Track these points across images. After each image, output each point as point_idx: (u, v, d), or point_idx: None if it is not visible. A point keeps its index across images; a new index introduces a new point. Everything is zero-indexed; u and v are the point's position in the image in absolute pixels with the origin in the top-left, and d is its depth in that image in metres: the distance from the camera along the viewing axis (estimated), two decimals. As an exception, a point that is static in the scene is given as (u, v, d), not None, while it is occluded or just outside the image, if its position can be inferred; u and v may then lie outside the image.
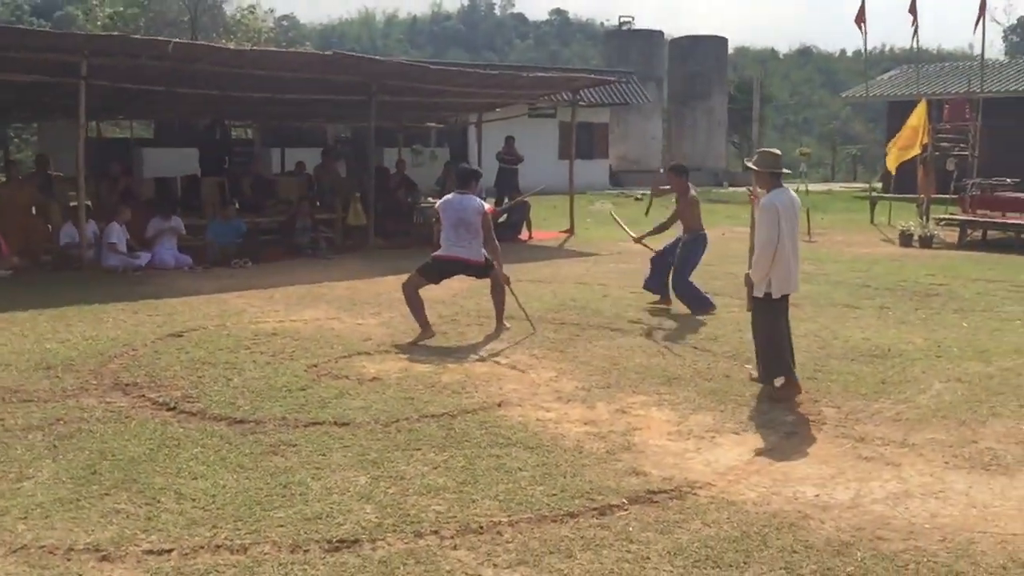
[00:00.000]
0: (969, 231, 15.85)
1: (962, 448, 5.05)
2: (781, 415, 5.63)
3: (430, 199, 15.78)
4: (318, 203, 15.19)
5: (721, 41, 38.92)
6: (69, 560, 3.58)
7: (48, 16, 51.15)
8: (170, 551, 3.66)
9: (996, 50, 76.21)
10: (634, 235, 9.63)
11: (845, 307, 9.26)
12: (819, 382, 6.34)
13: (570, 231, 16.84)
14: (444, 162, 19.10)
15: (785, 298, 6.16)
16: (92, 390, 5.94)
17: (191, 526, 3.89)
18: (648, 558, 3.67)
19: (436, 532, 3.87)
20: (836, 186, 35.62)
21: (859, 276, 11.52)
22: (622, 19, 42.27)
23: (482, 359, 7.00)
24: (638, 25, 41.76)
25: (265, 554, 3.65)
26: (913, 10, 19.32)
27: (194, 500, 4.16)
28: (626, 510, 4.13)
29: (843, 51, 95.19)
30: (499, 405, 5.74)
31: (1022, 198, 16.09)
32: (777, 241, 5.90)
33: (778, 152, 6.38)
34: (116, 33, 23.41)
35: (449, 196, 7.97)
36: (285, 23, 66.35)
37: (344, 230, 14.65)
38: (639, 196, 25.93)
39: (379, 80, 14.00)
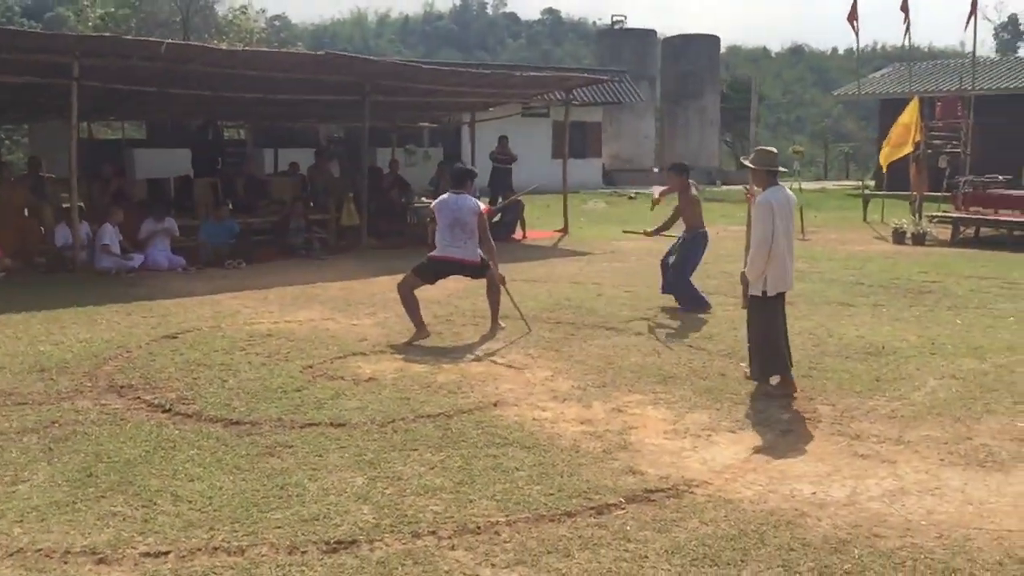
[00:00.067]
0: (962, 228, 15.91)
1: (957, 445, 5.06)
2: (777, 413, 5.64)
3: (423, 199, 15.77)
4: (311, 203, 15.17)
5: (713, 40, 38.97)
6: (66, 563, 3.57)
7: (39, 17, 50.96)
8: (167, 553, 3.65)
9: (987, 47, 76.77)
10: (648, 230, 9.69)
11: (839, 305, 9.28)
12: (814, 380, 6.36)
13: (564, 230, 16.84)
14: (437, 162, 19.11)
15: (781, 295, 6.18)
16: (87, 392, 5.92)
17: (188, 528, 3.88)
18: (646, 557, 3.68)
19: (434, 532, 3.87)
20: (829, 184, 35.69)
21: (853, 274, 11.55)
22: (614, 18, 42.22)
23: (478, 359, 7.00)
24: (630, 24, 41.75)
25: (263, 556, 3.64)
26: (905, 8, 19.35)
27: (191, 502, 4.15)
28: (623, 509, 4.14)
29: (835, 49, 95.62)
30: (495, 405, 5.73)
31: (1014, 195, 16.15)
32: (772, 238, 5.91)
33: (774, 150, 6.40)
34: (107, 34, 23.36)
35: (444, 196, 7.95)
36: (277, 23, 66.18)
37: (338, 230, 14.63)
38: (632, 195, 25.97)
39: (372, 80, 13.98)
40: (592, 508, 4.13)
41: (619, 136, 36.15)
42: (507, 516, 4.03)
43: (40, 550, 3.67)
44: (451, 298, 9.27)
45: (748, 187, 6.66)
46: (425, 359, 6.91)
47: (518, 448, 4.92)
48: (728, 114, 40.37)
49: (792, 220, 6.17)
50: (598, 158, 32.65)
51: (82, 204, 12.21)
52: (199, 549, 3.69)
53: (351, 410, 5.55)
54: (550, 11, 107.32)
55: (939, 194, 17.86)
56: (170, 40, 13.30)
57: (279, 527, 3.90)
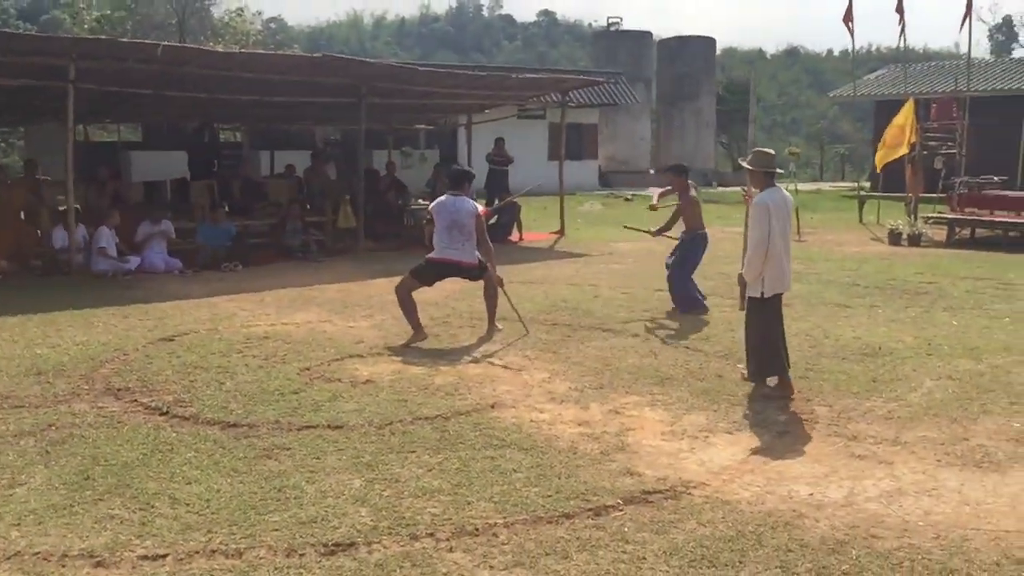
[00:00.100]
0: (957, 229, 15.95)
1: (954, 445, 5.07)
2: (774, 414, 5.65)
3: (420, 201, 15.77)
4: (308, 206, 15.16)
5: (709, 42, 39.00)
6: (63, 567, 3.57)
7: (34, 20, 50.90)
8: (165, 556, 3.65)
9: (982, 49, 76.85)
10: (652, 229, 9.69)
11: (836, 306, 9.29)
12: (811, 381, 6.37)
13: (560, 232, 16.86)
14: (434, 164, 19.09)
15: (778, 297, 6.19)
16: (84, 395, 5.91)
17: (186, 531, 3.88)
18: (644, 558, 3.68)
19: (432, 534, 3.87)
20: (825, 185, 35.74)
21: (849, 275, 11.57)
22: (610, 20, 42.27)
23: (475, 361, 7.00)
24: (626, 26, 41.76)
25: (260, 558, 3.64)
26: (900, 10, 19.41)
27: (188, 505, 4.15)
28: (621, 511, 4.14)
29: (830, 51, 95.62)
30: (493, 407, 5.74)
31: (1009, 196, 16.20)
32: (768, 239, 5.92)
33: (772, 152, 6.42)
34: (103, 36, 23.33)
35: (442, 198, 7.96)
36: (273, 25, 66.26)
37: (334, 233, 14.62)
38: (628, 197, 25.99)
39: (368, 82, 13.98)
40: (590, 510, 4.14)
41: (615, 138, 36.18)
42: (505, 518, 4.04)
43: (38, 553, 3.66)
44: (448, 300, 9.27)
45: (746, 189, 6.68)
46: (422, 361, 6.90)
47: (516, 450, 4.92)
48: (724, 116, 40.43)
49: (789, 221, 6.18)
50: (594, 160, 32.67)
51: (78, 207, 12.20)
52: (197, 552, 3.68)
53: (348, 412, 5.55)
54: (546, 13, 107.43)
55: (935, 195, 17.90)
56: (166, 42, 13.27)
57: (277, 529, 3.89)
